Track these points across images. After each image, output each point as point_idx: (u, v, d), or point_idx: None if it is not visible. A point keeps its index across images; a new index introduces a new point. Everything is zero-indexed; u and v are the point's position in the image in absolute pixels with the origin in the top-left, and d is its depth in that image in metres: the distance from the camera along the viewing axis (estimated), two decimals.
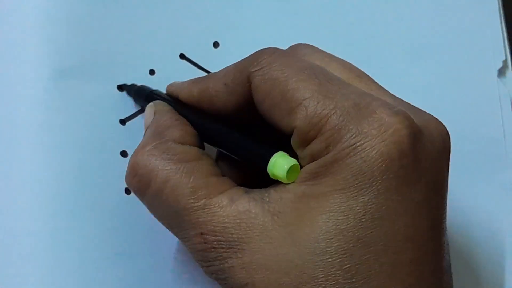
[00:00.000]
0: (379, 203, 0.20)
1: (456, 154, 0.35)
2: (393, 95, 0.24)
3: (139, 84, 0.31)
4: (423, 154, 0.21)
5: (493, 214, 0.34)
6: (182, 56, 0.33)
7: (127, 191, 0.31)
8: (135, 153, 0.25)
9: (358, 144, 0.21)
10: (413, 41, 0.36)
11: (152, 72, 0.32)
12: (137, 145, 0.31)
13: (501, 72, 0.37)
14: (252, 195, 0.22)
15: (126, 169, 0.30)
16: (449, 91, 0.36)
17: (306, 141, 0.22)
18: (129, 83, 0.31)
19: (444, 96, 0.35)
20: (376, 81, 0.24)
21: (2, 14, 0.31)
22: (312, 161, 0.22)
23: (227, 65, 0.26)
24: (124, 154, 0.31)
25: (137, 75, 0.32)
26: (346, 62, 0.25)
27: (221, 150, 0.26)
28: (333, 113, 0.21)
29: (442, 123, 0.23)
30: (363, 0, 0.36)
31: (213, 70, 0.33)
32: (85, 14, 0.31)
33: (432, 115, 0.23)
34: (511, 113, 0.36)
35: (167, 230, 0.30)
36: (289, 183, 0.22)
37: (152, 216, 0.31)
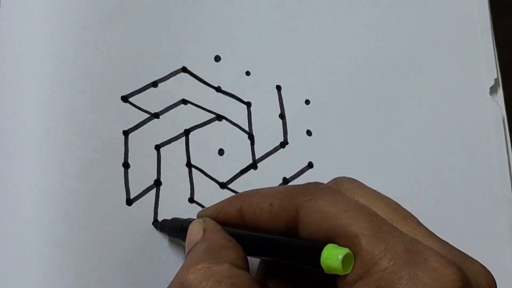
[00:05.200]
0: None
1: (449, 169, 0.36)
2: (440, 239, 0.23)
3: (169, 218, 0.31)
4: None
5: (483, 228, 0.35)
6: (185, 70, 0.33)
7: (129, 202, 0.31)
8: (186, 268, 0.23)
9: None
10: (410, 59, 0.37)
11: (155, 84, 0.33)
12: (140, 158, 0.31)
13: (493, 89, 0.38)
14: None
15: (128, 181, 0.31)
16: (444, 108, 0.37)
17: (353, 279, 0.21)
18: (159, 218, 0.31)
19: (438, 112, 0.36)
20: (422, 223, 0.24)
21: (7, 20, 0.31)
22: None
23: (272, 187, 0.26)
24: (126, 165, 0.31)
25: (140, 87, 0.32)
26: (391, 200, 0.24)
27: (269, 259, 0.25)
28: (384, 255, 0.20)
29: (490, 273, 0.23)
30: (361, 17, 0.37)
31: (215, 83, 0.34)
32: (89, 26, 0.32)
33: (480, 263, 0.23)
34: (502, 127, 0.37)
35: (168, 241, 0.31)
36: (344, 274, 0.21)
37: (152, 227, 0.31)
